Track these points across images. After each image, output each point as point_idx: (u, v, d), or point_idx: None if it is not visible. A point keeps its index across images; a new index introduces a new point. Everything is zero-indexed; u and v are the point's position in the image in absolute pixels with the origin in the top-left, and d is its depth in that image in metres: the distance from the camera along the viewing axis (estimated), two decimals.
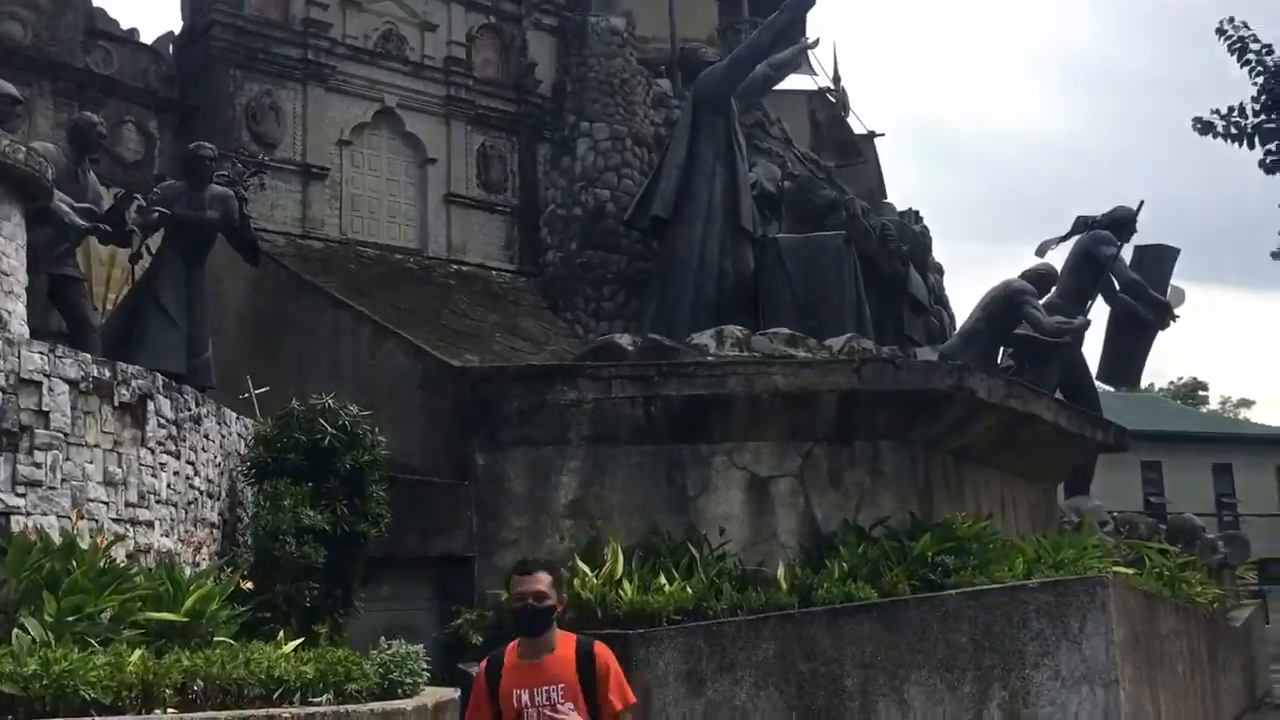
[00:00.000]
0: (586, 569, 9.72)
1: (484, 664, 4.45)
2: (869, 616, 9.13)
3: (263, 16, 13.69)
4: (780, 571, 9.95)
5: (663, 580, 9.68)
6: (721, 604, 9.36)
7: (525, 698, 4.25)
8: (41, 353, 6.50)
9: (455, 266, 14.70)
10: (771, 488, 10.85)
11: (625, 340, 11.85)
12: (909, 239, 16.32)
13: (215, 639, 6.52)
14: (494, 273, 15.10)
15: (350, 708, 5.56)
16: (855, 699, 8.96)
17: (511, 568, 4.82)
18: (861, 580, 9.67)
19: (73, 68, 12.65)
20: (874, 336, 13.25)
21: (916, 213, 18.53)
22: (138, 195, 9.99)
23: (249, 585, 7.33)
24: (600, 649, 4.41)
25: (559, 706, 4.24)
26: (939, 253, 18.39)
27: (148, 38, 13.85)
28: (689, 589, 9.48)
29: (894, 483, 10.97)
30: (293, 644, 6.79)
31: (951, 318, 18.19)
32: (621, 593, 9.41)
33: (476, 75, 15.34)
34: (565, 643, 4.40)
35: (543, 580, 4.35)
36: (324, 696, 5.96)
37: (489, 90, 15.44)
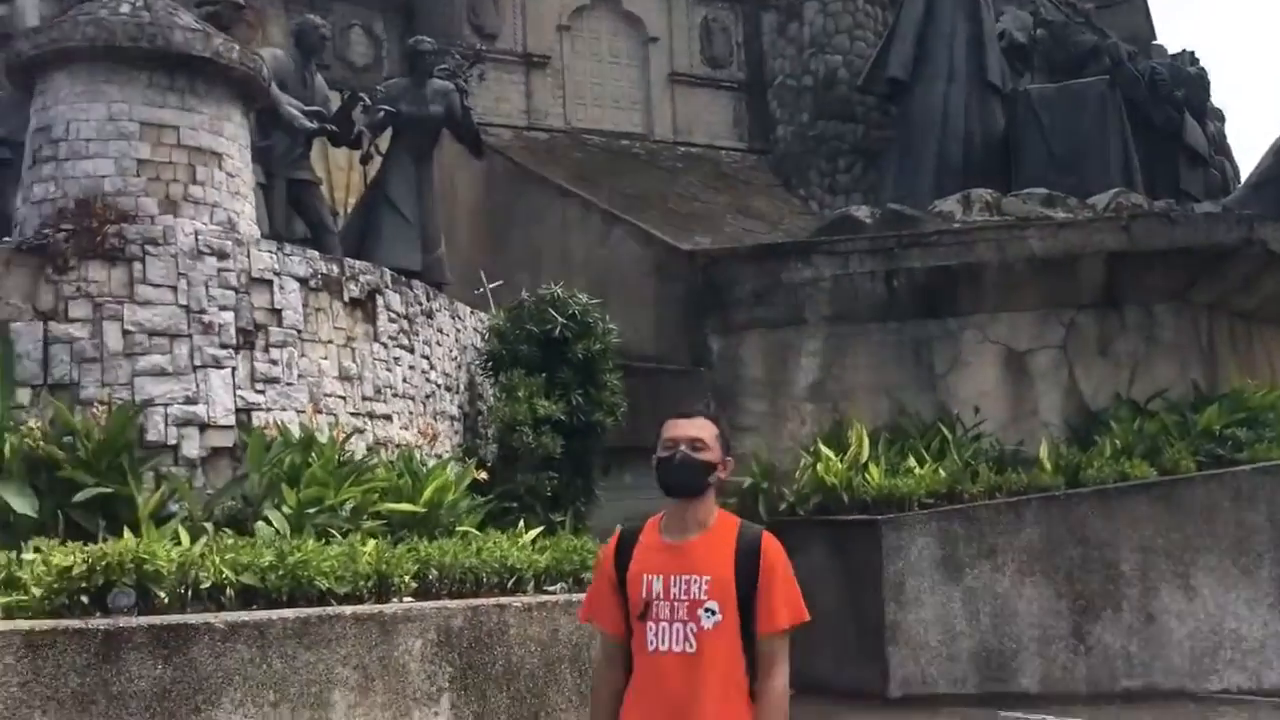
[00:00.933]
0: (830, 453, 9.26)
1: (613, 540, 3.25)
2: (1147, 496, 8.30)
3: None
4: (1043, 451, 9.17)
5: (912, 463, 9.11)
6: (978, 486, 8.71)
7: (658, 585, 3.07)
8: (270, 252, 6.55)
9: (682, 148, 14.23)
10: (1030, 361, 10.00)
11: (863, 212, 11.12)
12: (1183, 83, 14.58)
13: (457, 529, 6.51)
14: (722, 152, 14.54)
15: (582, 596, 5.38)
16: (1133, 585, 8.21)
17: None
18: (1137, 458, 8.78)
19: None
20: (1144, 192, 11.92)
21: (1192, 54, 16.54)
22: (363, 96, 9.99)
23: (484, 476, 7.27)
24: (770, 542, 3.13)
25: (703, 606, 3.03)
26: (1219, 98, 16.42)
27: None
28: (941, 471, 8.87)
29: (1172, 350, 9.89)
30: (532, 533, 6.71)
31: (1235, 170, 16.28)
32: (868, 477, 8.91)
33: None
34: (725, 526, 3.15)
35: (704, 427, 3.14)
36: (558, 585, 5.84)
37: None
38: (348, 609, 4.51)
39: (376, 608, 4.60)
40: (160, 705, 4.01)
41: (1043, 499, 8.49)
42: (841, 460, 9.17)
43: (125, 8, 6.34)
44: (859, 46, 14.28)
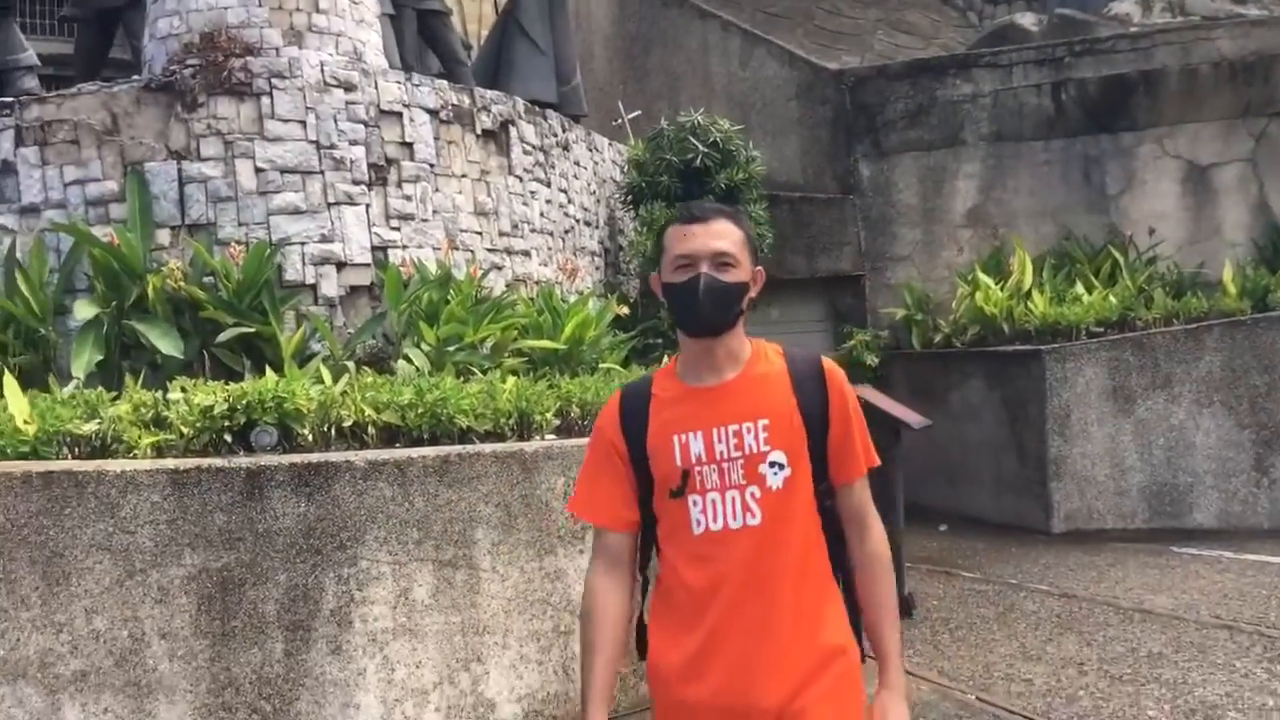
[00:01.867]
0: (989, 281, 8.74)
1: (612, 402, 2.39)
2: None
3: None
4: (1227, 274, 8.46)
5: (1080, 290, 8.53)
6: (1153, 313, 8.10)
7: (698, 445, 2.26)
8: (398, 82, 6.31)
9: None
10: (1214, 176, 9.17)
11: (1029, 20, 10.27)
12: None
13: (600, 366, 6.35)
14: None
15: None
16: None
17: (668, 219, 2.71)
18: None
19: None
20: None
21: None
22: None
23: (625, 310, 7.06)
24: (832, 366, 2.37)
25: (766, 460, 2.24)
26: None
27: None
28: (1112, 298, 8.28)
29: None
30: None
31: None
32: (1031, 305, 8.38)
33: None
34: (765, 354, 2.36)
35: (727, 232, 2.28)
36: None
37: None
38: (487, 447, 4.39)
39: (517, 445, 4.47)
40: (306, 543, 3.99)
41: (1226, 324, 7.86)
42: (1002, 288, 8.66)
43: None
44: None
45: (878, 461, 2.40)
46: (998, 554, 7.32)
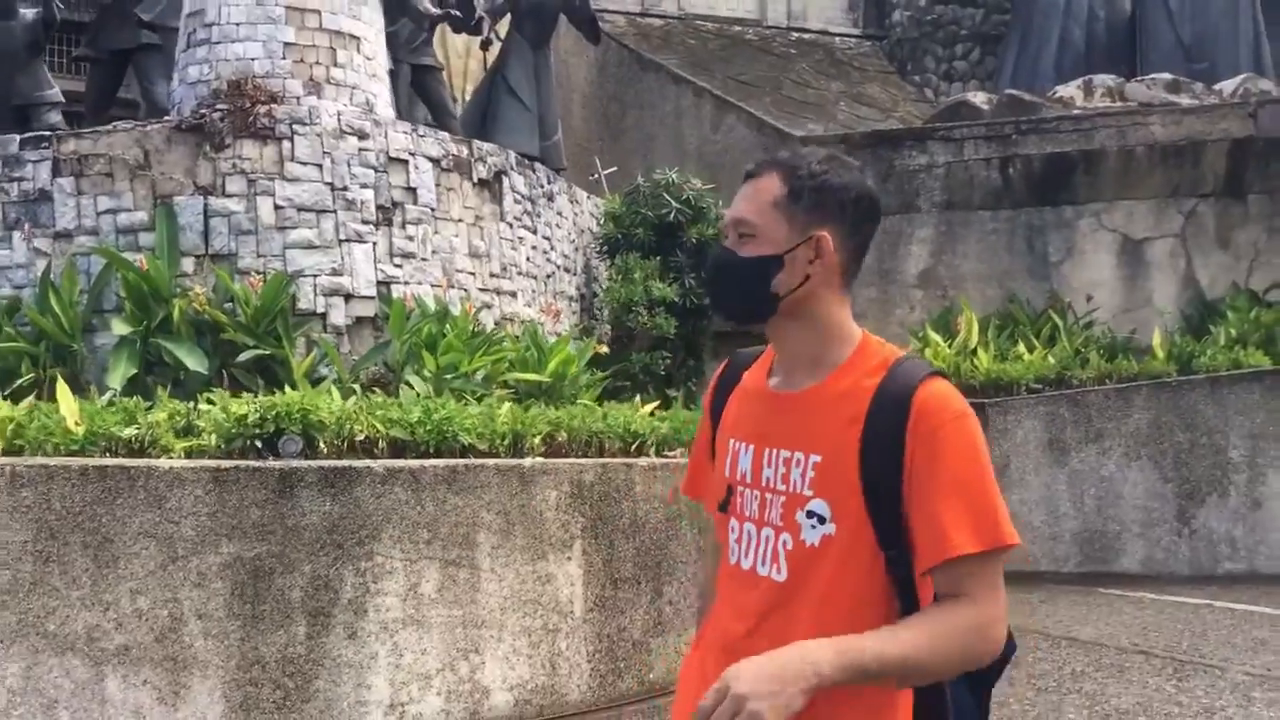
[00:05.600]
0: (938, 338, 9.40)
1: (722, 366, 2.01)
2: (1260, 384, 8.30)
3: None
4: (1156, 339, 9.18)
5: (1021, 349, 9.20)
6: (1088, 372, 8.78)
7: (746, 461, 1.82)
8: (405, 132, 6.88)
9: (795, 35, 14.16)
10: (1147, 250, 9.94)
11: (980, 98, 11.04)
12: None
13: (577, 400, 6.88)
14: (836, 39, 14.43)
15: None
16: (1241, 471, 8.27)
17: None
18: (1252, 347, 8.75)
19: None
20: (1275, 78, 11.57)
21: None
22: None
23: (604, 349, 7.62)
24: (933, 398, 1.69)
25: (804, 507, 1.73)
26: None
27: None
28: (1051, 358, 8.96)
29: None
30: (649, 406, 7.06)
31: None
32: (976, 362, 9.04)
33: None
34: (865, 363, 1.77)
35: (759, 192, 1.78)
36: (678, 450, 6.18)
37: None
38: (491, 461, 4.91)
39: (515, 461, 4.99)
40: (329, 538, 4.47)
41: (1153, 385, 8.55)
42: (950, 345, 9.31)
43: None
44: None
45: (1008, 540, 1.65)
46: None
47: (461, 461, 4.81)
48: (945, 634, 1.63)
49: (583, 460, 5.32)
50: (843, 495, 1.69)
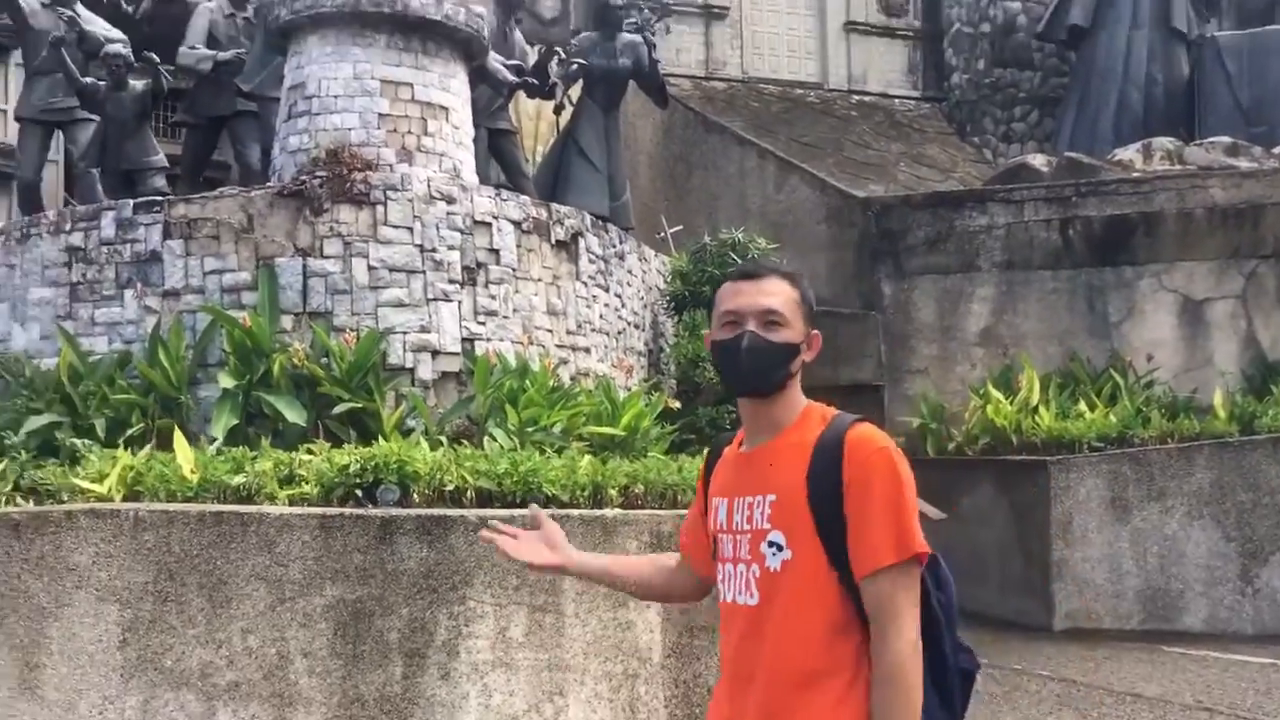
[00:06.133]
0: (999, 395, 9.56)
1: (707, 451, 2.50)
2: None
3: None
4: (1217, 399, 9.27)
5: (1083, 407, 9.34)
6: (1149, 431, 8.90)
7: (723, 512, 2.28)
8: (490, 196, 7.24)
9: (856, 97, 14.48)
10: (1207, 311, 10.05)
11: (1039, 160, 11.25)
12: None
13: (648, 453, 7.15)
14: (896, 101, 14.72)
15: None
16: None
17: (723, 275, 2.55)
18: None
19: None
20: None
21: None
22: (558, 50, 10.61)
23: (676, 404, 7.89)
24: (861, 439, 2.14)
25: (765, 539, 2.18)
26: None
27: None
28: (1112, 416, 9.08)
29: None
30: None
31: None
32: (1038, 419, 9.19)
33: None
34: (808, 423, 2.22)
35: (779, 291, 2.23)
36: None
37: None
38: (575, 511, 5.18)
39: (598, 511, 5.25)
40: (425, 582, 4.75)
41: (1215, 444, 8.64)
42: (1011, 403, 9.47)
43: None
44: None
45: (916, 550, 2.09)
46: (1003, 645, 8.00)
47: (550, 512, 5.07)
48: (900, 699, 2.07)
49: (660, 511, 5.57)
50: (796, 525, 2.13)
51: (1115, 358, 10.04)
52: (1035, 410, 9.34)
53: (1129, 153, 10.91)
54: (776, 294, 2.22)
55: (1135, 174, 10.50)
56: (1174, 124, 12.36)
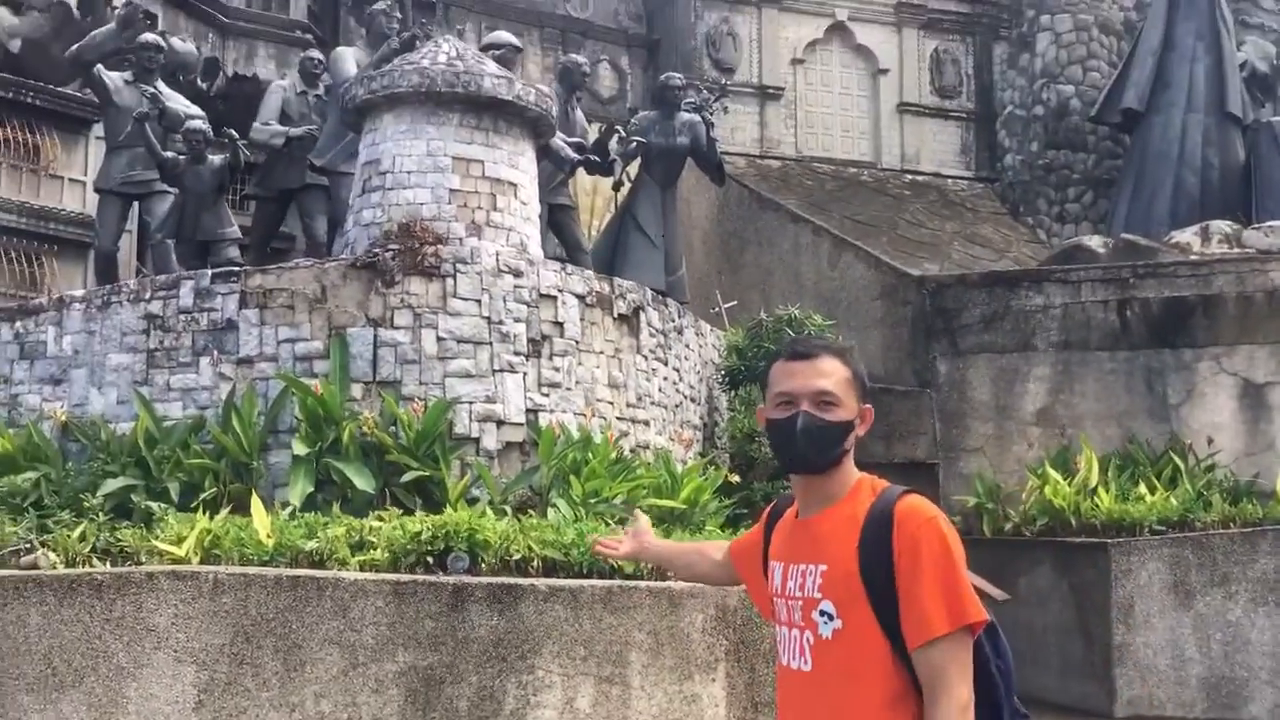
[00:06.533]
0: (1058, 476, 9.49)
1: (766, 511, 2.63)
2: None
3: None
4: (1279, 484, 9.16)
5: (1143, 490, 9.24)
6: (1211, 515, 8.79)
7: (778, 577, 2.38)
8: (555, 271, 7.39)
9: (909, 176, 14.61)
10: (1269, 394, 9.96)
11: (1095, 242, 11.29)
12: None
13: (706, 526, 7.17)
14: (949, 180, 14.84)
15: None
16: None
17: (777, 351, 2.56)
18: None
19: (555, 15, 13.93)
20: None
21: None
22: (618, 128, 10.85)
23: (736, 478, 7.92)
24: (911, 510, 2.23)
25: (817, 608, 2.28)
26: None
27: None
28: (1173, 499, 8.98)
29: None
30: None
31: None
32: (1097, 500, 9.10)
33: None
34: (859, 495, 2.32)
35: (833, 370, 2.31)
36: None
37: None
38: (643, 583, 5.21)
39: (664, 584, 5.28)
40: (495, 650, 4.79)
41: (1279, 531, 8.51)
42: (1069, 484, 9.39)
43: (442, 58, 7.31)
44: (1092, 76, 14.34)
45: (968, 620, 2.15)
46: None
47: (617, 583, 5.12)
48: None
49: (721, 588, 5.57)
50: (847, 595, 2.22)
51: (1174, 440, 9.95)
52: (1094, 492, 9.26)
53: (1186, 235, 10.92)
54: (830, 374, 2.31)
55: (1194, 256, 10.50)
56: (1230, 208, 12.36)
